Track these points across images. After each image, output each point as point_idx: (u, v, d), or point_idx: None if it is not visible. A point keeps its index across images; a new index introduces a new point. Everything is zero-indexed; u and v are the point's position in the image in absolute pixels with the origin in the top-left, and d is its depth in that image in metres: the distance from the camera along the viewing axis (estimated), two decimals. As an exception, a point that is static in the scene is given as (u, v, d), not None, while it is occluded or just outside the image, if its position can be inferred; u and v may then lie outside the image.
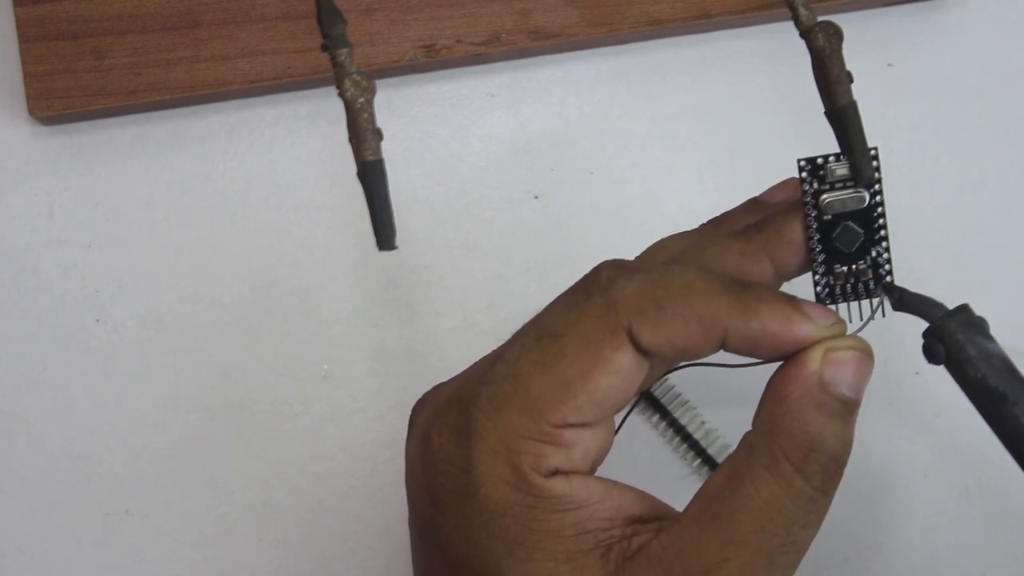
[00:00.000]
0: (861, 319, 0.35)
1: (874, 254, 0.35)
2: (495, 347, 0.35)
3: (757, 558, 0.32)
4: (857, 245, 0.35)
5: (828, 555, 0.50)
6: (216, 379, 0.50)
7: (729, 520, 0.32)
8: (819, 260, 0.35)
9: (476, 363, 0.36)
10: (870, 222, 0.35)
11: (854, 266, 0.35)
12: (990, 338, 0.34)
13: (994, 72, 0.53)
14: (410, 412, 0.37)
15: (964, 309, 0.34)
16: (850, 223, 0.34)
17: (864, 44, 0.53)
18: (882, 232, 0.35)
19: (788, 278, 0.36)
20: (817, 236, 0.35)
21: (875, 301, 0.35)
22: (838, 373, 0.33)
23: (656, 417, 0.50)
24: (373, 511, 0.50)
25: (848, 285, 0.35)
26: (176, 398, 0.50)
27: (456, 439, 0.33)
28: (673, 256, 0.36)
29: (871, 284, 0.35)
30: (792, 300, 0.33)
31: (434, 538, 0.35)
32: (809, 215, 0.35)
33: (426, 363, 0.51)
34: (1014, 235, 0.52)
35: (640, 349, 0.32)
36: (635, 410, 0.50)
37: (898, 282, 0.35)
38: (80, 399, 0.50)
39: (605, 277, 0.33)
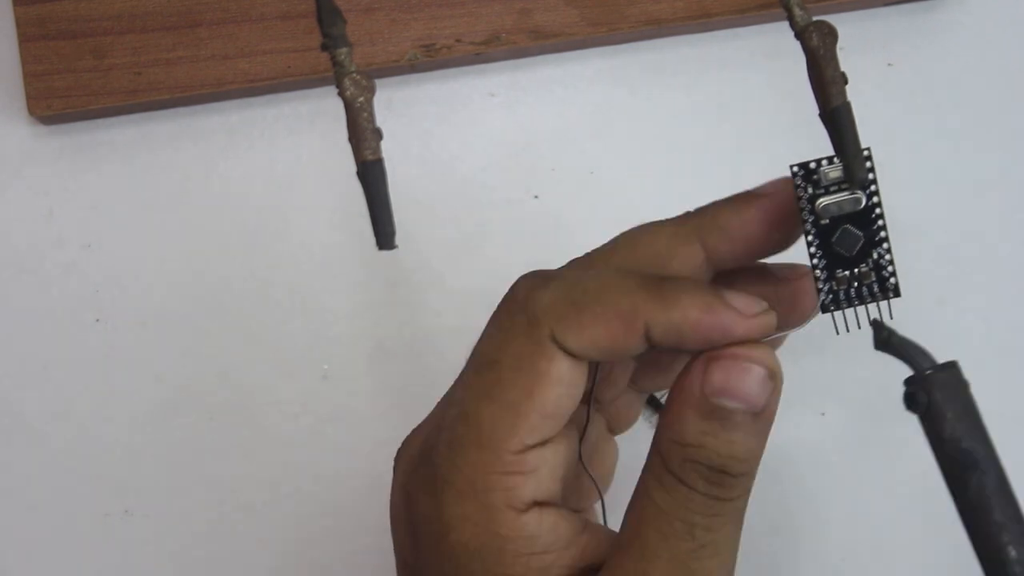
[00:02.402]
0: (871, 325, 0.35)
1: (875, 256, 0.34)
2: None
3: (674, 568, 0.32)
4: (858, 248, 0.34)
5: (827, 555, 0.50)
6: (216, 379, 0.50)
7: (638, 538, 0.32)
8: (820, 266, 0.34)
9: (438, 404, 0.36)
10: (869, 224, 0.34)
11: (856, 270, 0.34)
12: (972, 401, 0.33)
13: (994, 72, 0.53)
14: (396, 454, 0.37)
15: (954, 366, 0.33)
16: (848, 226, 0.34)
17: (864, 44, 0.53)
18: (882, 233, 0.34)
19: (721, 267, 0.35)
20: (816, 241, 0.34)
21: (855, 311, 0.34)
22: (719, 383, 0.32)
23: (656, 417, 0.50)
24: (373, 511, 0.50)
25: (852, 289, 0.34)
26: (176, 398, 0.50)
27: (427, 490, 0.33)
28: (617, 242, 0.36)
29: (875, 287, 0.34)
30: (715, 290, 0.32)
31: None
32: (807, 220, 0.34)
33: (426, 363, 0.51)
34: (1014, 235, 0.52)
35: (570, 354, 0.32)
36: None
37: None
38: (80, 399, 0.50)
39: (522, 293, 0.33)
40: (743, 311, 0.32)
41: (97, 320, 0.51)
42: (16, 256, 0.51)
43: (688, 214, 0.36)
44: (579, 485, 0.38)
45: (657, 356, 0.38)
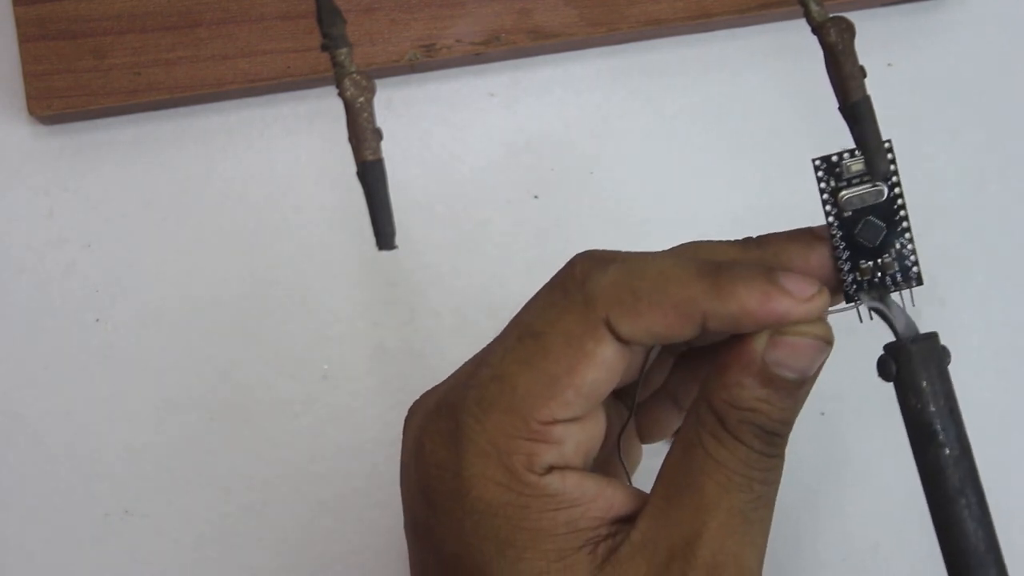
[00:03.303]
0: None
1: (898, 246, 0.35)
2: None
3: (732, 517, 0.33)
4: (880, 239, 0.35)
5: (827, 555, 0.50)
6: (216, 379, 0.50)
7: (694, 488, 0.33)
8: (844, 257, 0.35)
9: (463, 365, 0.36)
10: (891, 215, 0.35)
11: (879, 260, 0.35)
12: (945, 373, 0.34)
13: (994, 72, 0.53)
14: (405, 416, 0.37)
15: (931, 337, 0.34)
16: (871, 218, 0.35)
17: (864, 44, 0.52)
18: (904, 224, 0.35)
19: None
20: (840, 233, 0.35)
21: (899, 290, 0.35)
22: (781, 355, 0.33)
23: None
24: (373, 511, 0.50)
25: (875, 279, 0.35)
26: (176, 398, 0.50)
27: (447, 444, 0.33)
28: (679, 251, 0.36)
29: (898, 277, 0.35)
30: (769, 275, 0.33)
31: (428, 540, 0.35)
32: (829, 213, 0.35)
33: (426, 363, 0.51)
34: (1014, 235, 0.52)
35: (620, 339, 0.33)
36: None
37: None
38: (80, 399, 0.50)
39: (579, 271, 0.34)
40: (798, 295, 0.33)
41: (97, 320, 0.51)
42: (16, 256, 0.51)
43: (750, 242, 0.36)
44: (607, 471, 0.38)
45: (696, 366, 0.39)
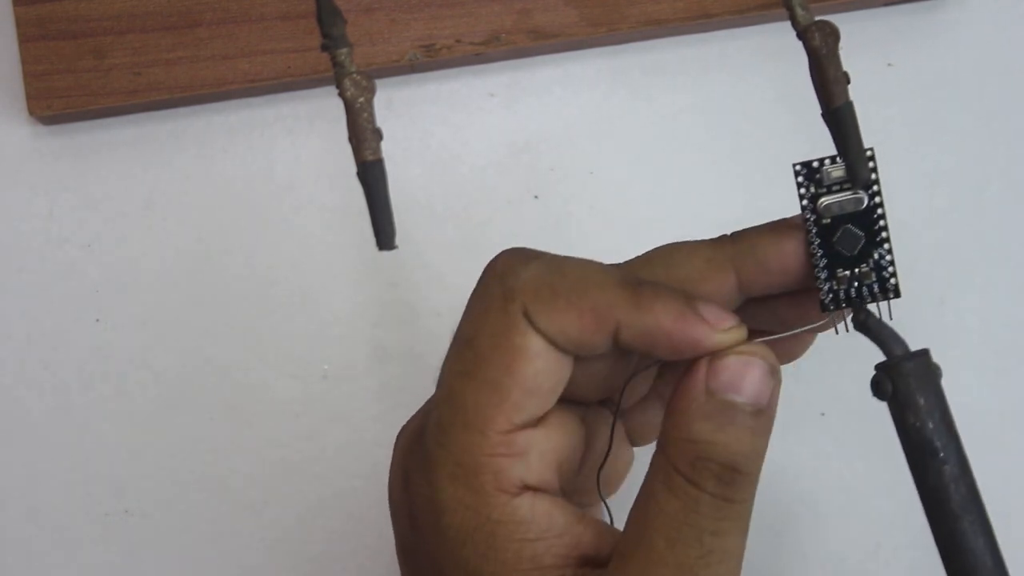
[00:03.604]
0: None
1: (876, 256, 0.34)
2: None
3: (679, 575, 0.31)
4: (859, 248, 0.34)
5: (827, 555, 0.50)
6: (216, 379, 0.50)
7: (646, 544, 0.32)
8: (821, 265, 0.34)
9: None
10: (870, 224, 0.34)
11: (856, 269, 0.34)
12: (940, 389, 0.33)
13: (994, 72, 0.53)
14: (395, 439, 0.37)
15: (924, 354, 0.33)
16: (850, 226, 0.34)
17: (864, 44, 0.53)
18: (883, 234, 0.34)
19: (752, 295, 0.35)
20: (817, 241, 0.34)
21: (843, 313, 0.35)
22: (725, 379, 0.32)
23: None
24: (373, 511, 0.50)
25: (852, 289, 0.34)
26: (176, 398, 0.50)
27: (422, 472, 0.33)
28: (651, 257, 0.36)
29: (875, 287, 0.34)
30: (689, 300, 0.32)
31: (414, 563, 0.35)
32: (808, 219, 0.34)
33: (426, 363, 0.51)
34: (1014, 235, 0.52)
35: (541, 335, 0.32)
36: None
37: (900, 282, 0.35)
38: (80, 399, 0.50)
39: (500, 266, 0.33)
40: (713, 324, 0.32)
41: (97, 320, 0.51)
42: (16, 256, 0.51)
43: (724, 238, 0.35)
44: (585, 487, 0.37)
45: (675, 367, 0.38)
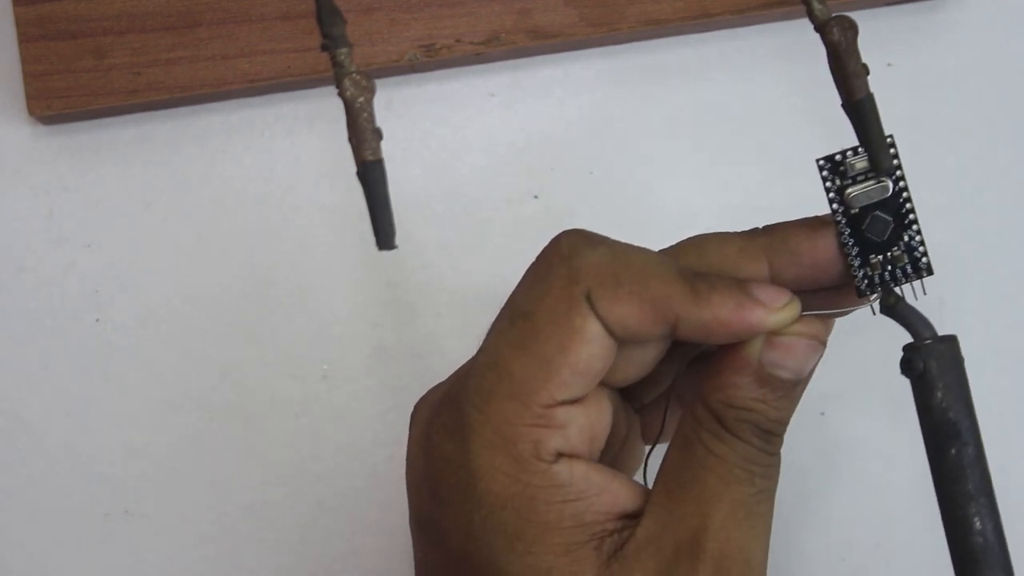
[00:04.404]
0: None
1: (906, 239, 0.35)
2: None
3: (736, 510, 0.33)
4: (888, 233, 0.35)
5: (827, 555, 0.50)
6: (216, 379, 0.50)
7: (697, 483, 0.33)
8: (853, 254, 0.35)
9: (469, 359, 0.36)
10: (897, 208, 0.35)
11: (889, 254, 0.35)
12: (965, 375, 0.34)
13: (994, 72, 0.53)
14: (411, 412, 0.37)
15: (953, 339, 0.35)
16: (878, 212, 0.35)
17: (864, 44, 0.52)
18: (911, 216, 0.35)
19: (785, 286, 0.36)
20: (848, 231, 0.35)
21: (867, 298, 0.36)
22: (778, 356, 0.34)
23: None
24: (373, 511, 0.50)
25: (886, 273, 0.35)
26: (176, 398, 0.50)
27: (453, 436, 0.33)
28: (684, 246, 0.36)
29: (908, 268, 0.35)
30: (743, 286, 0.34)
31: (434, 534, 0.35)
32: (837, 211, 0.35)
33: (426, 363, 0.51)
34: (1015, 235, 0.52)
35: (600, 320, 0.33)
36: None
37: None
38: (80, 399, 0.50)
39: (566, 246, 0.34)
40: (770, 304, 0.33)
41: (97, 320, 0.51)
42: (16, 256, 0.51)
43: (757, 231, 0.36)
44: (619, 465, 0.38)
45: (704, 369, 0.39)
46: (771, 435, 0.34)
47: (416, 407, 0.37)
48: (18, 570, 0.50)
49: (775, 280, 0.35)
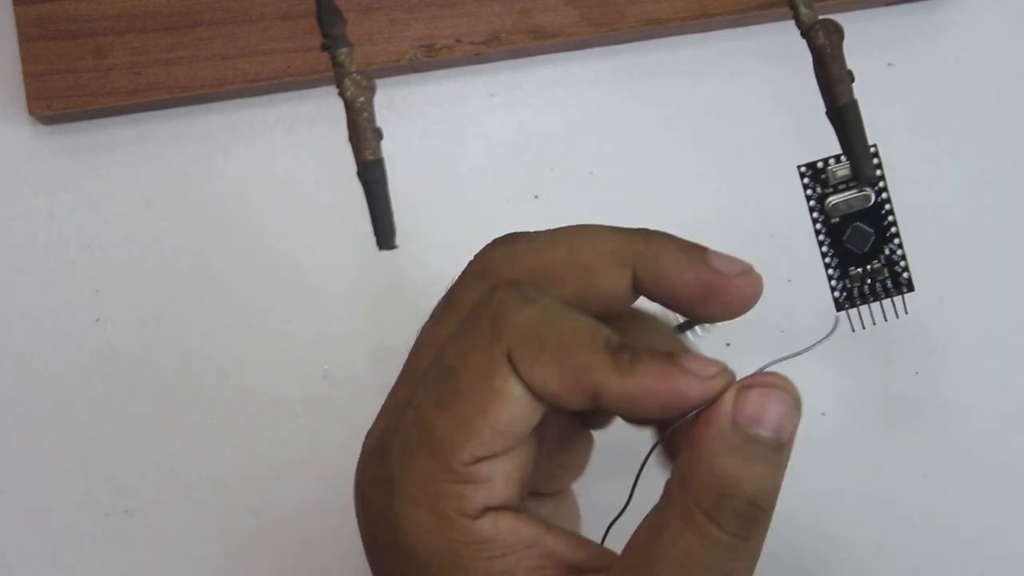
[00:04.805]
0: (885, 320, 0.35)
1: (887, 252, 0.34)
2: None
3: None
4: (869, 245, 0.34)
5: (827, 555, 0.50)
6: (216, 379, 0.50)
7: (649, 575, 0.31)
8: (833, 264, 0.34)
9: (393, 391, 0.36)
10: (879, 220, 0.34)
11: (869, 266, 0.34)
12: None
13: (994, 72, 0.53)
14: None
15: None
16: (859, 223, 0.34)
17: (864, 44, 0.53)
18: (893, 229, 0.34)
19: (644, 295, 0.34)
20: (828, 241, 0.34)
21: (834, 323, 0.34)
22: (752, 412, 0.31)
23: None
24: (373, 511, 0.50)
25: (865, 287, 0.35)
26: (176, 398, 0.50)
27: (381, 491, 0.33)
28: (557, 236, 0.35)
29: (888, 284, 0.35)
30: (670, 357, 0.32)
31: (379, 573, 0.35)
32: (816, 220, 0.34)
33: (426, 363, 0.51)
34: (1014, 235, 0.52)
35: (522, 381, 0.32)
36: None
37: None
38: (80, 399, 0.50)
39: (496, 302, 0.33)
40: (699, 373, 0.32)
41: (97, 320, 0.51)
42: (16, 256, 0.51)
43: (639, 233, 0.35)
44: (552, 472, 0.37)
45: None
46: (756, 511, 0.31)
47: (361, 450, 0.36)
48: (18, 570, 0.50)
49: (638, 289, 0.34)
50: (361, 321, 0.51)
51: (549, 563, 0.32)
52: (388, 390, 0.51)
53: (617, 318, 0.34)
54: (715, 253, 0.34)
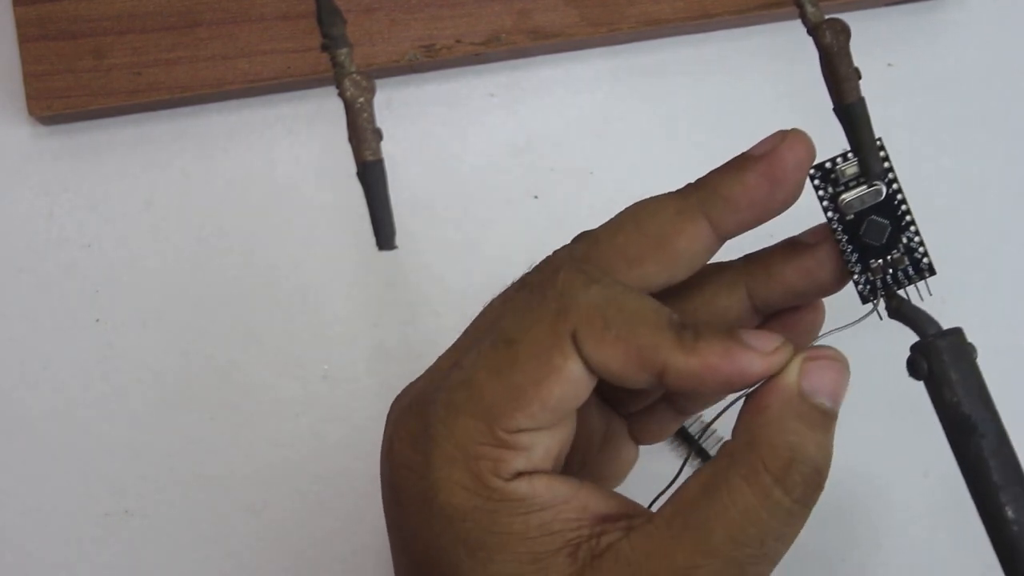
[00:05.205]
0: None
1: (905, 240, 0.35)
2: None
3: (727, 568, 0.31)
4: (887, 236, 0.35)
5: (828, 554, 0.50)
6: (216, 379, 0.50)
7: (702, 528, 0.32)
8: (853, 260, 0.35)
9: (441, 359, 0.36)
10: (893, 211, 0.35)
11: (889, 257, 0.35)
12: (975, 366, 0.34)
13: (994, 72, 0.53)
14: (388, 411, 0.37)
15: (957, 332, 0.34)
16: (874, 217, 0.35)
17: (864, 44, 0.52)
18: (908, 217, 0.35)
19: (727, 237, 0.35)
20: (845, 237, 0.35)
21: (868, 306, 0.35)
22: (816, 383, 0.33)
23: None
24: (373, 511, 0.50)
25: (888, 277, 0.35)
26: (176, 398, 0.50)
27: (415, 445, 0.33)
28: (622, 220, 0.36)
29: (910, 270, 0.35)
30: (732, 332, 0.32)
31: (399, 540, 0.35)
32: (832, 219, 0.35)
33: (426, 363, 0.50)
34: (1014, 235, 0.52)
35: (584, 361, 0.32)
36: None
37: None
38: (80, 399, 0.50)
39: (562, 281, 0.33)
40: (760, 349, 0.32)
41: (97, 320, 0.51)
42: (16, 256, 0.51)
43: (690, 187, 0.35)
44: (594, 479, 0.37)
45: None
46: (819, 477, 0.32)
47: (391, 407, 0.36)
48: (18, 570, 0.50)
49: (720, 232, 0.35)
50: (361, 321, 0.51)
51: (585, 515, 0.33)
52: (388, 390, 0.51)
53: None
54: (757, 158, 0.35)
